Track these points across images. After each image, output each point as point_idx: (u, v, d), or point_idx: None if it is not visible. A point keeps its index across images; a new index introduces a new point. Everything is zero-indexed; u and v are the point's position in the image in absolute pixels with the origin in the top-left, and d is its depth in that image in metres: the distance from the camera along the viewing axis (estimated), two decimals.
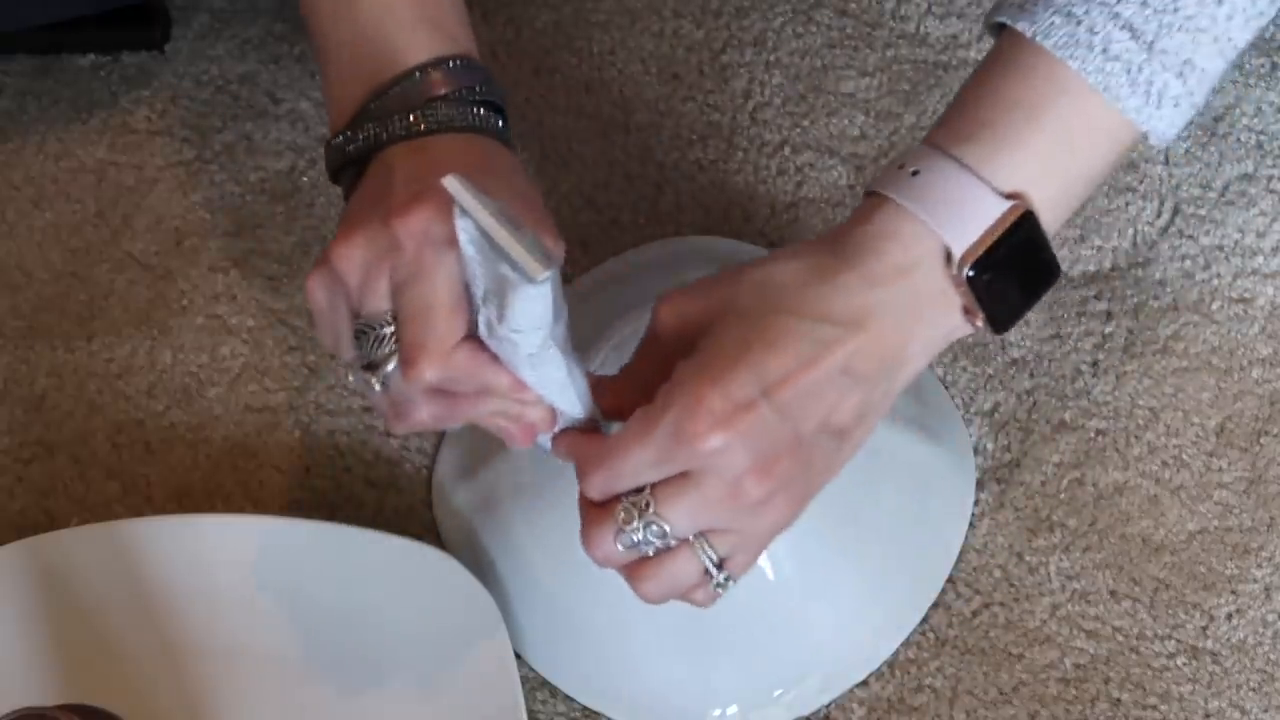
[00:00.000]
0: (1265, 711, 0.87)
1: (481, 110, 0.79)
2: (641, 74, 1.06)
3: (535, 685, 0.89)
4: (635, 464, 0.71)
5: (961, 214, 0.70)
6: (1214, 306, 0.96)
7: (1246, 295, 0.97)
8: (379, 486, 0.95)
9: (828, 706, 0.88)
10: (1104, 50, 0.70)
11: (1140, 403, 0.94)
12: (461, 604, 0.87)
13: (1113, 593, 0.90)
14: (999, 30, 0.73)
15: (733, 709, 0.88)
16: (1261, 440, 0.93)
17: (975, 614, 0.90)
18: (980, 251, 0.70)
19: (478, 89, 0.79)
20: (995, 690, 0.88)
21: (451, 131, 0.78)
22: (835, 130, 1.03)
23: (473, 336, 0.73)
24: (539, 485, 0.89)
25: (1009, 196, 0.71)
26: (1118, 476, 0.92)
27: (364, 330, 0.74)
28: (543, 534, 0.88)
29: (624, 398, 0.74)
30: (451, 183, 0.69)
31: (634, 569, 0.73)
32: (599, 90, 1.05)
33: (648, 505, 0.71)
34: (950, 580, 0.90)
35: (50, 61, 1.08)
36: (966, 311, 0.72)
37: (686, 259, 0.98)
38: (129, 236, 1.02)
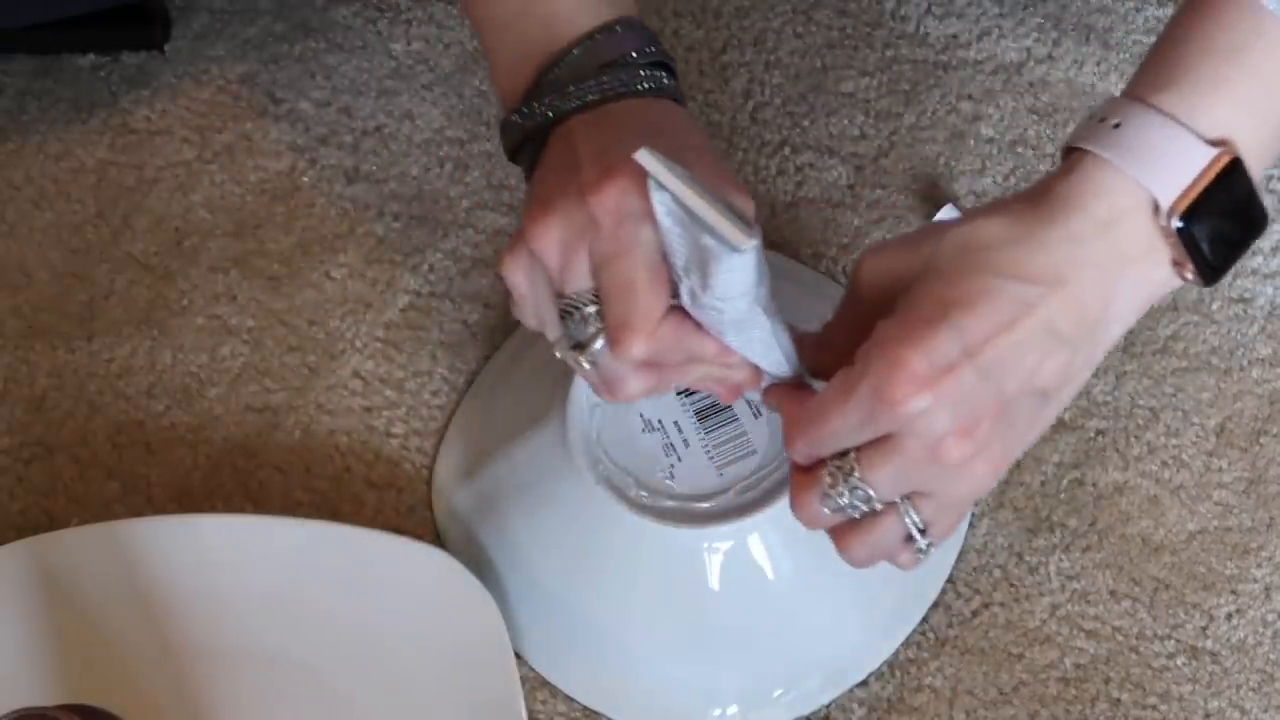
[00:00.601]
0: (1265, 711, 0.87)
1: (652, 71, 0.79)
2: None
3: (535, 685, 0.89)
4: (837, 428, 0.71)
5: (1167, 163, 0.70)
6: (1214, 306, 0.96)
7: (1246, 295, 0.97)
8: (379, 486, 0.95)
9: (828, 706, 0.88)
10: None
11: (1140, 403, 0.94)
12: (461, 604, 0.87)
13: (1112, 593, 0.90)
14: None
15: (733, 709, 0.88)
16: (1261, 440, 0.93)
17: (975, 614, 0.90)
18: (1189, 201, 0.69)
19: (646, 50, 0.79)
20: (995, 690, 0.88)
21: (626, 97, 0.78)
22: (835, 130, 1.03)
23: (676, 307, 0.73)
24: (539, 485, 0.89)
25: (1214, 143, 0.70)
26: (1117, 476, 0.92)
27: (568, 310, 0.74)
28: (542, 534, 0.88)
29: (826, 355, 0.74)
30: (644, 156, 0.69)
31: (840, 532, 0.74)
32: None
33: (852, 470, 0.71)
34: (950, 580, 0.90)
35: (50, 61, 1.08)
36: (1175, 264, 0.71)
37: None
38: (129, 236, 1.02)
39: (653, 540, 0.84)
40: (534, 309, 0.77)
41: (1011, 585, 0.90)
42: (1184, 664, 0.88)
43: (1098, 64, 1.03)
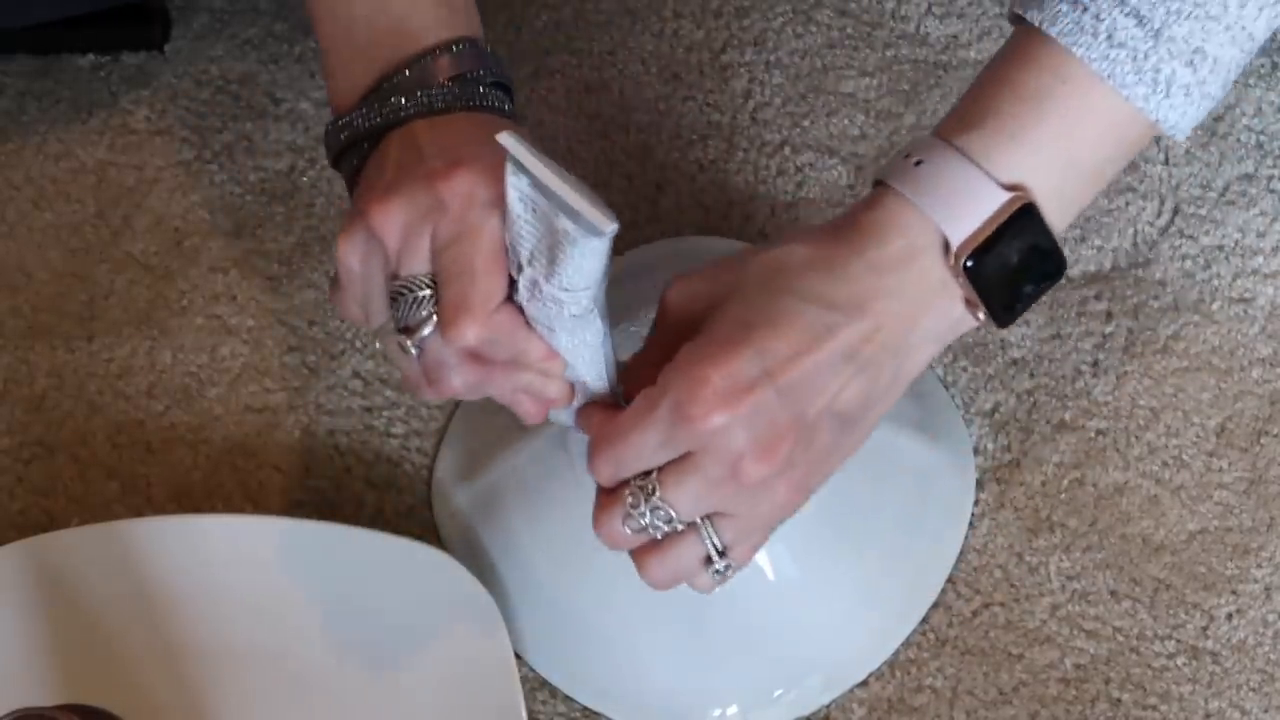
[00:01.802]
0: (1265, 712, 0.87)
1: (495, 91, 0.79)
2: (641, 74, 1.06)
3: (535, 685, 0.89)
4: (638, 446, 0.71)
5: (960, 204, 0.70)
6: (1214, 306, 0.96)
7: (1246, 295, 0.97)
8: (379, 486, 0.95)
9: (828, 706, 0.88)
10: (1109, 37, 0.69)
11: (1140, 403, 0.94)
12: (461, 604, 0.87)
13: (1113, 593, 0.90)
14: (1017, 22, 0.73)
15: (733, 709, 0.88)
16: (1262, 440, 0.93)
17: (975, 614, 0.90)
18: (978, 242, 0.70)
19: (492, 69, 0.80)
20: (995, 690, 0.88)
21: (471, 110, 0.78)
22: (835, 130, 1.03)
23: (510, 301, 0.73)
24: (539, 486, 0.88)
25: (1011, 188, 0.70)
26: (1118, 476, 0.92)
27: (401, 291, 0.74)
28: (543, 534, 0.88)
29: (634, 386, 0.74)
30: (507, 138, 0.69)
31: (640, 553, 0.74)
32: (599, 90, 1.05)
33: (654, 489, 0.71)
34: (950, 580, 0.90)
35: (50, 61, 1.08)
36: (968, 304, 0.72)
37: (686, 259, 0.97)
38: (129, 237, 1.02)
39: None
40: (360, 292, 0.76)
41: (1012, 585, 0.90)
42: (1184, 664, 0.88)
43: None
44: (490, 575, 0.89)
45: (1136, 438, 0.93)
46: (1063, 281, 0.95)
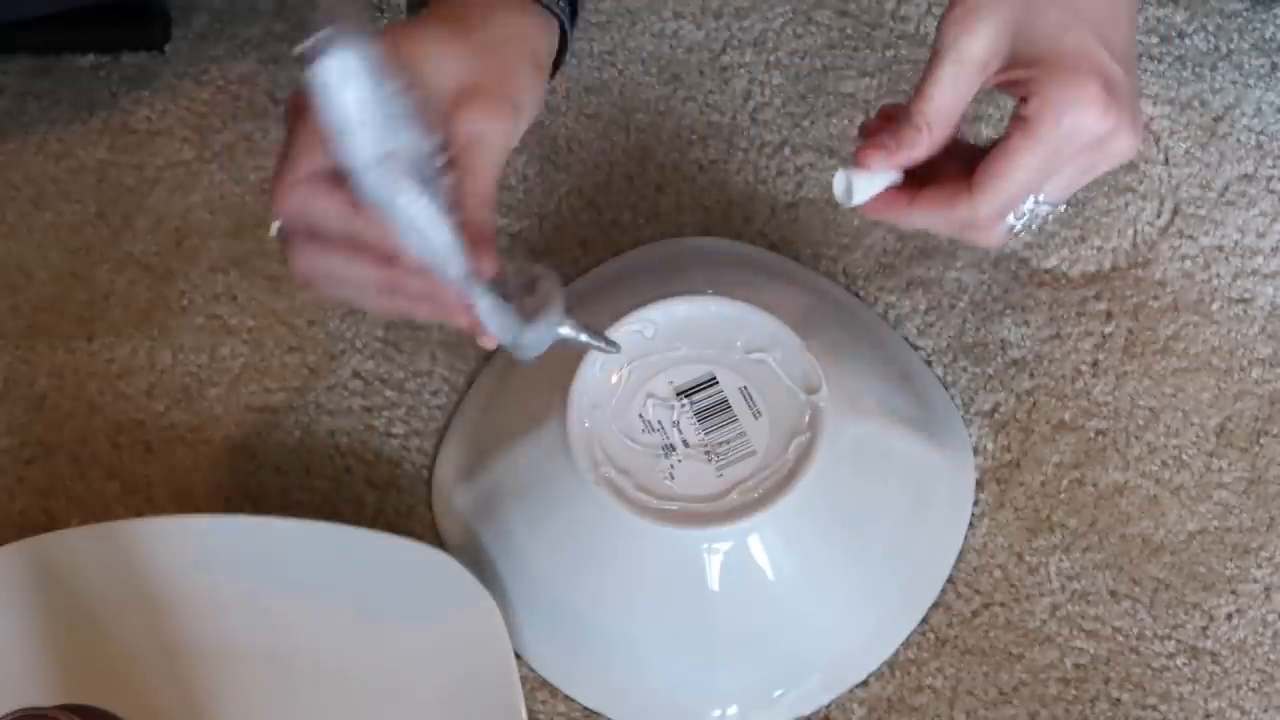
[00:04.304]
0: (1265, 712, 0.87)
1: None
2: (641, 74, 1.05)
3: (535, 685, 0.89)
4: (1024, 178, 0.78)
5: None
6: (1214, 306, 0.96)
7: (1246, 295, 0.97)
8: (379, 486, 0.94)
9: (828, 706, 0.88)
10: None
11: (1140, 403, 0.94)
12: (461, 604, 0.87)
13: (1113, 593, 0.90)
14: None
15: (733, 709, 0.88)
16: (1261, 440, 0.93)
17: (975, 614, 0.90)
18: None
19: None
20: (995, 690, 0.88)
21: None
22: (835, 130, 1.03)
23: (336, 180, 0.72)
24: (539, 486, 0.88)
25: None
26: (1118, 476, 0.92)
27: None
28: (542, 534, 0.88)
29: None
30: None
31: None
32: (599, 90, 1.05)
33: (1030, 202, 0.79)
34: (950, 580, 0.90)
35: (50, 61, 1.08)
36: None
37: (686, 260, 0.98)
38: (129, 237, 1.02)
39: (653, 541, 0.84)
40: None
41: (1012, 585, 0.90)
42: (1184, 664, 0.88)
43: None
44: (490, 575, 0.89)
45: (1136, 438, 0.93)
46: (1062, 281, 0.96)
